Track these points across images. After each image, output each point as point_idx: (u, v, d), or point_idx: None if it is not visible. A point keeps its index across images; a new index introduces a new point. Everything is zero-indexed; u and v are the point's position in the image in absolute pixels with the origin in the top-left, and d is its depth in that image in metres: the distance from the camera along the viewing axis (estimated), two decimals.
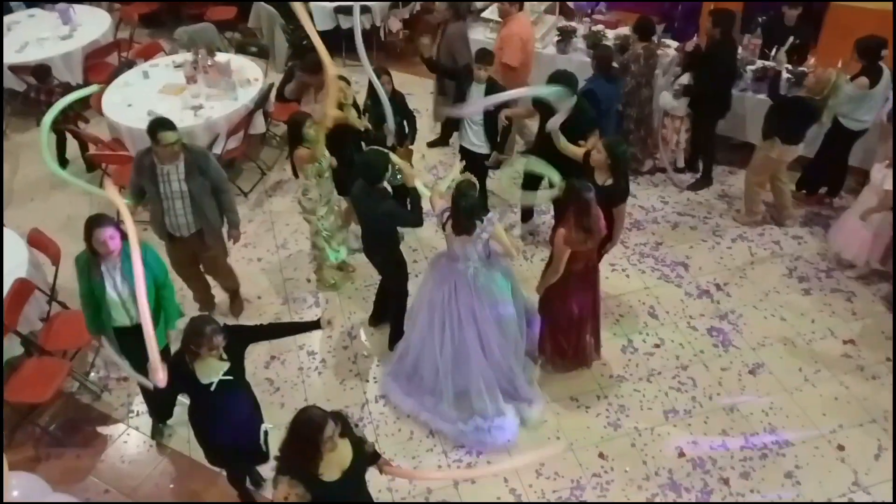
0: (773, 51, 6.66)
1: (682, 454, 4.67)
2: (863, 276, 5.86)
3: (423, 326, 4.74)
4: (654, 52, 6.53)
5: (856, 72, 5.87)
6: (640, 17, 6.54)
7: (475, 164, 5.76)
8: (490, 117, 5.79)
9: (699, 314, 5.62)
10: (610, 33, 7.34)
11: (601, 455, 4.68)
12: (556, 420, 4.88)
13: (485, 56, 5.66)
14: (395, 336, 5.27)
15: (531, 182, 5.77)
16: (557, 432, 4.80)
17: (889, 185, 5.24)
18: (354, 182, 4.81)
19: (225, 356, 3.65)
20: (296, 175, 5.46)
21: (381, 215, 4.71)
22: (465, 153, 5.96)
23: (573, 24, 7.61)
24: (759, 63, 6.79)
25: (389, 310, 5.38)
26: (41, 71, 7.17)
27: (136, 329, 3.67)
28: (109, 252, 4.01)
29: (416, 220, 4.79)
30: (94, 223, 3.99)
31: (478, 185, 4.53)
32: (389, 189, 5.02)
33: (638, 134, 6.73)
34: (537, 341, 5.11)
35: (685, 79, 6.45)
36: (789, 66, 6.60)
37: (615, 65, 6.23)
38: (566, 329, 4.92)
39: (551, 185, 5.00)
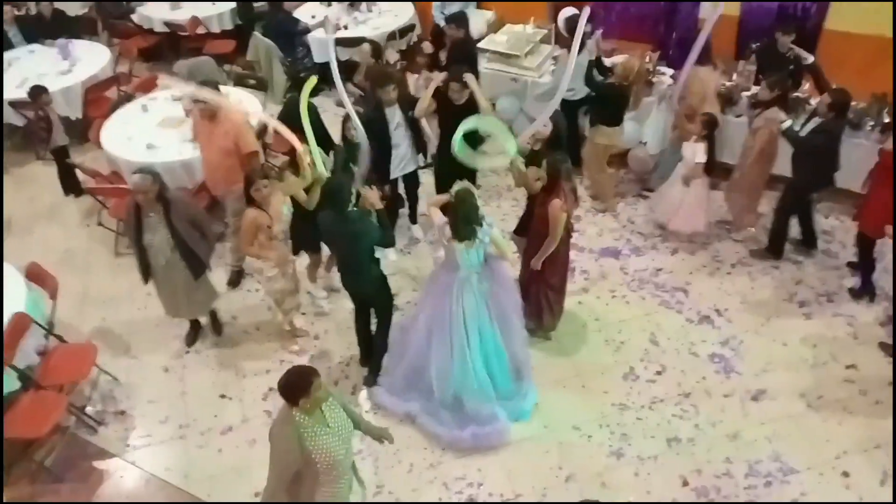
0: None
1: (685, 483, 4.61)
2: (691, 241, 6.49)
3: (422, 338, 4.83)
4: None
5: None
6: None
7: (414, 184, 6.40)
8: (414, 127, 6.08)
9: (700, 340, 5.59)
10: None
11: (604, 485, 4.62)
12: (558, 450, 4.83)
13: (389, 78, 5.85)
14: (382, 354, 5.30)
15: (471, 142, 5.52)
16: (560, 462, 4.75)
17: (700, 159, 5.97)
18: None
19: None
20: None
21: (361, 234, 4.69)
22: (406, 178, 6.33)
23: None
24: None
25: (378, 331, 5.26)
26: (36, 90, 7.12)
27: None
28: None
29: (390, 239, 4.98)
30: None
31: (475, 192, 4.61)
32: None
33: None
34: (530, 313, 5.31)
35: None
36: None
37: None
38: (559, 290, 5.39)
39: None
